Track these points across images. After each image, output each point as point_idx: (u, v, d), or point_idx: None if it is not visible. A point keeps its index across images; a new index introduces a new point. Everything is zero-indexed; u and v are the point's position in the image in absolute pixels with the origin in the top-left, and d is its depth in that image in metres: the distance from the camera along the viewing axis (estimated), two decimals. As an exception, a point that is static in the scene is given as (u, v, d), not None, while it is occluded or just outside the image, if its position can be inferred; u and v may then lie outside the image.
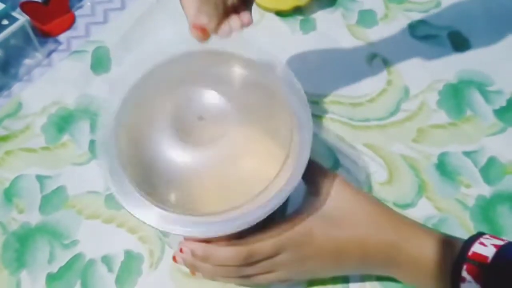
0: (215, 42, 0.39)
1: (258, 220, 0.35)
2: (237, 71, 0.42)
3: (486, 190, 0.50)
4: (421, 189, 0.51)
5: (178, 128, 0.40)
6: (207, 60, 0.43)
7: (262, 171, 0.47)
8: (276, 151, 0.48)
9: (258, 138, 0.49)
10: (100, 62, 0.61)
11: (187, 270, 0.47)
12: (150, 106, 0.42)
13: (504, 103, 0.56)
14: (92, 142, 0.54)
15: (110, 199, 0.51)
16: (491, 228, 0.48)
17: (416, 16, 0.64)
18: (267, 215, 0.35)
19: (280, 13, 0.64)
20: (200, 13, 0.37)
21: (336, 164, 0.52)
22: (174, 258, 0.41)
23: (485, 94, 0.57)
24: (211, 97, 0.47)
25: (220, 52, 0.42)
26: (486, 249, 0.36)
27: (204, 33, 0.37)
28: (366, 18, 0.64)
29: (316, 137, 0.54)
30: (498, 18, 0.63)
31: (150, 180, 0.47)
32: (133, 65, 0.44)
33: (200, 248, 0.39)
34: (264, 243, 0.38)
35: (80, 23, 0.65)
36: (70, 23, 0.65)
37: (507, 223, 0.48)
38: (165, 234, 0.42)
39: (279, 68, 0.42)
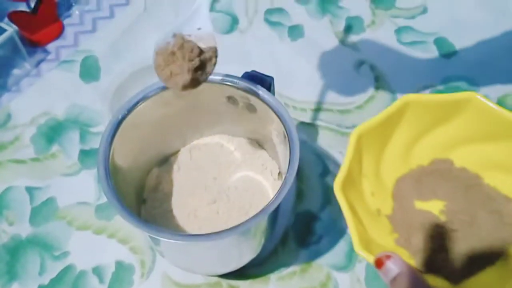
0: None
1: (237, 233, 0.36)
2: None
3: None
4: (409, 195, 0.51)
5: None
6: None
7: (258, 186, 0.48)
8: (268, 165, 0.49)
9: (249, 150, 0.50)
10: (89, 72, 0.61)
11: (178, 279, 0.47)
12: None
13: (490, 108, 0.57)
14: (81, 153, 0.55)
15: (100, 210, 0.51)
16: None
17: (403, 22, 0.64)
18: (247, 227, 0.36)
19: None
20: None
21: (325, 171, 0.53)
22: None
23: (471, 100, 0.57)
24: (202, 112, 0.47)
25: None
26: None
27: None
28: (354, 24, 0.64)
29: (304, 144, 0.54)
30: (484, 24, 0.64)
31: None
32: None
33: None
34: None
35: (68, 32, 0.65)
36: (58, 32, 0.65)
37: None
38: (156, 243, 0.42)
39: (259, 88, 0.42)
